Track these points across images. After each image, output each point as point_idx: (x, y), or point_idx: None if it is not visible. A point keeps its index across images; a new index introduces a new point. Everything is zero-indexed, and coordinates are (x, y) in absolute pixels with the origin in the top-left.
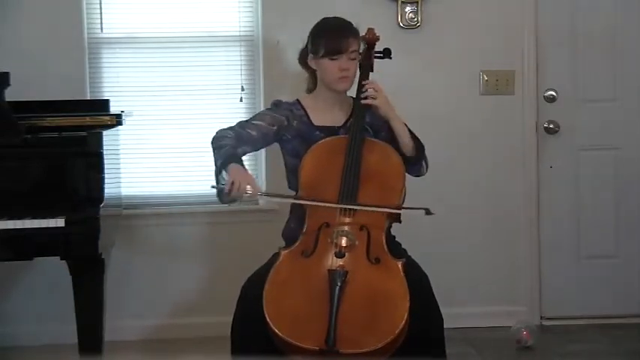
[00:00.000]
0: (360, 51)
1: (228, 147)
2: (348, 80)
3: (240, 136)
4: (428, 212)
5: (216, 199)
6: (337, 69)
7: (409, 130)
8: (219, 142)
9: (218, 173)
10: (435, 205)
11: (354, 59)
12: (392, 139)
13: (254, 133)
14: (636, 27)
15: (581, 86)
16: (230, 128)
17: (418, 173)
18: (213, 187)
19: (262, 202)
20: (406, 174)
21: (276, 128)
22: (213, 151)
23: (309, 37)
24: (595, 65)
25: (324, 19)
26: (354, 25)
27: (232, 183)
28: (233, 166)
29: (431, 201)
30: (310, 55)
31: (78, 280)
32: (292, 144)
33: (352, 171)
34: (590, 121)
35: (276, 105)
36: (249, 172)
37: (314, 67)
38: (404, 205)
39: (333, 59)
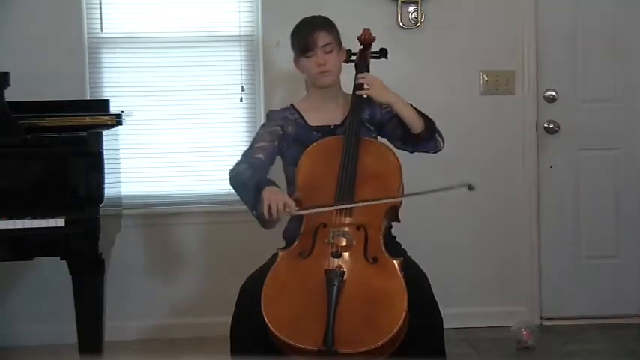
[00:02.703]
0: (342, 45)
1: (249, 178)
2: (328, 74)
3: (253, 165)
4: (470, 187)
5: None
6: (314, 65)
7: (416, 109)
8: (240, 179)
9: (254, 206)
10: (435, 204)
11: (330, 52)
12: (401, 124)
13: (261, 156)
14: (636, 27)
15: (581, 86)
16: (240, 163)
17: (435, 149)
18: (257, 216)
19: None
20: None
21: (277, 142)
22: (239, 191)
23: (290, 40)
24: (595, 65)
25: (300, 19)
26: (329, 18)
27: (269, 207)
28: (265, 191)
29: (430, 201)
30: (294, 57)
31: (78, 280)
32: (291, 151)
33: (348, 172)
34: (590, 121)
35: (269, 116)
36: (280, 191)
37: (298, 69)
38: (444, 187)
39: (307, 57)
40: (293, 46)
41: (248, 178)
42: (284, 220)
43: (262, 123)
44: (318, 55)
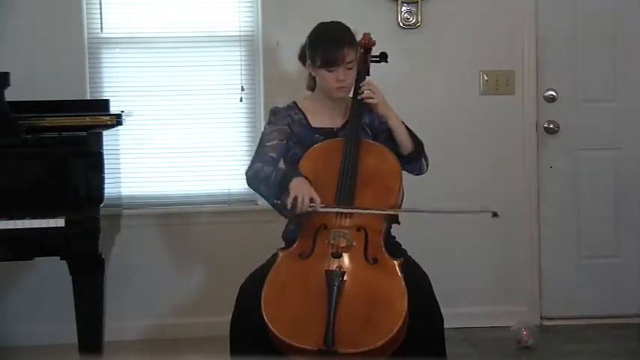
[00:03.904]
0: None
1: (272, 172)
2: (345, 90)
3: (269, 162)
4: (495, 215)
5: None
6: (334, 79)
7: (407, 129)
8: (260, 175)
9: (276, 195)
10: (435, 204)
11: (351, 69)
12: (392, 139)
13: (273, 154)
14: (636, 27)
15: (581, 86)
16: (254, 162)
17: (419, 171)
18: (276, 202)
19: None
20: (406, 173)
21: (285, 141)
22: (259, 186)
23: (306, 42)
24: (595, 65)
25: (323, 25)
26: (353, 30)
27: (295, 198)
28: (295, 181)
29: (430, 201)
30: (308, 62)
31: (78, 280)
32: (293, 151)
33: (349, 173)
34: (590, 121)
35: (274, 113)
36: (309, 184)
37: (313, 74)
38: (465, 209)
39: (330, 70)
40: (314, 54)
41: (271, 172)
42: (281, 220)
43: (268, 120)
44: (340, 71)
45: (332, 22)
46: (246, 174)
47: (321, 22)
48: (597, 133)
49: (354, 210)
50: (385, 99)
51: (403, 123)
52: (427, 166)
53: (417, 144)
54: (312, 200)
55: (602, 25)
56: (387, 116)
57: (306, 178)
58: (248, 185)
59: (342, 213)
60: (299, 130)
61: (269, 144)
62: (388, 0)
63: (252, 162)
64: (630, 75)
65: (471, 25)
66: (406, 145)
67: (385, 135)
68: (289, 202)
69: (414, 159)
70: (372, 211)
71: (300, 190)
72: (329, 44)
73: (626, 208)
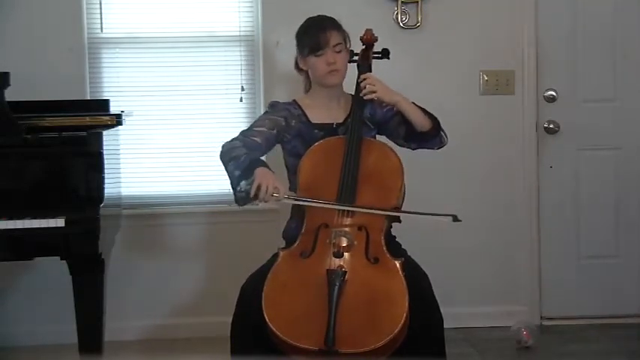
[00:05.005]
0: (348, 45)
1: (244, 155)
2: (337, 74)
3: (248, 145)
4: (455, 219)
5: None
6: (324, 64)
7: (419, 107)
8: (232, 153)
9: (238, 182)
10: (435, 205)
11: (340, 52)
12: (405, 122)
13: (258, 139)
14: (636, 27)
15: (581, 86)
16: (235, 139)
17: (440, 145)
18: (239, 191)
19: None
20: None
21: (276, 131)
22: (228, 164)
23: (296, 40)
24: (595, 65)
25: (307, 19)
26: (337, 19)
27: (259, 186)
28: (259, 170)
29: (430, 200)
30: (299, 56)
31: (78, 280)
32: (292, 144)
33: (350, 172)
34: (590, 121)
35: (273, 106)
36: (274, 175)
37: (305, 68)
38: (429, 212)
39: (318, 55)
40: (301, 44)
41: (243, 154)
42: (281, 220)
43: (265, 111)
44: (328, 54)
45: (318, 15)
46: (222, 146)
47: (307, 17)
48: (597, 133)
49: (323, 204)
50: (387, 86)
51: (414, 103)
52: (447, 137)
53: (433, 119)
54: (276, 189)
55: (602, 25)
56: (394, 102)
57: (269, 169)
58: (219, 157)
59: (342, 212)
60: (298, 125)
61: (257, 128)
62: (388, 0)
63: (234, 138)
64: (630, 75)
65: (471, 25)
66: (422, 124)
67: (397, 119)
68: (253, 188)
69: (433, 134)
70: (328, 205)
71: (265, 179)
72: (312, 30)
73: (626, 208)
